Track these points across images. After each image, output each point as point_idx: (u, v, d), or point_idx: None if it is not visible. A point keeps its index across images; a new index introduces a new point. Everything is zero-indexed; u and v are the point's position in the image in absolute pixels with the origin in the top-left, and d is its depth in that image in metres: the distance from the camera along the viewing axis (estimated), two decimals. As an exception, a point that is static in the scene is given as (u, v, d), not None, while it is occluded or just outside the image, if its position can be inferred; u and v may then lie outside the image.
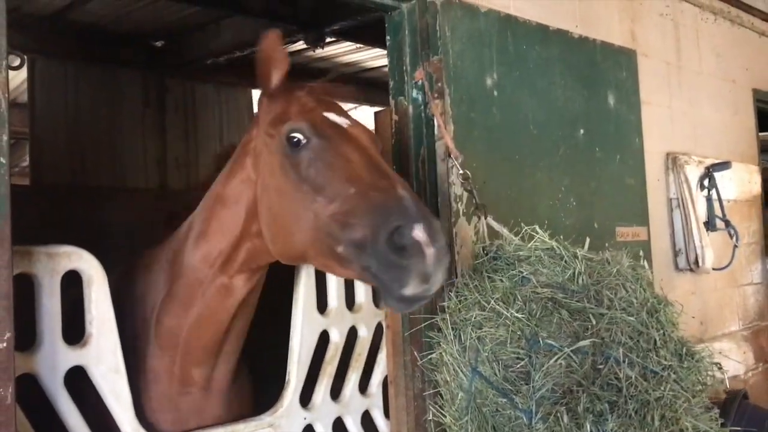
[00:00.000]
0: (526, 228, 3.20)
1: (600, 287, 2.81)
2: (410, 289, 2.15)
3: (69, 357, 2.50)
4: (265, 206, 2.60)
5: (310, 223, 2.39)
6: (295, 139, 2.46)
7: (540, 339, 2.66)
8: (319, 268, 2.70)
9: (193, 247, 2.83)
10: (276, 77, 2.63)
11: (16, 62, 2.17)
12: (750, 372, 5.49)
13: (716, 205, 5.00)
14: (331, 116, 2.54)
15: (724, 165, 5.06)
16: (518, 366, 2.68)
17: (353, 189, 2.28)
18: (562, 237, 3.30)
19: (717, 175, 5.01)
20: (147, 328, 2.96)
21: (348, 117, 2.59)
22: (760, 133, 6.18)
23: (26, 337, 2.42)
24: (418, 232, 2.09)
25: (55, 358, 2.45)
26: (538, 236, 3.08)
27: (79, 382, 2.56)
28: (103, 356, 2.59)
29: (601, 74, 4.24)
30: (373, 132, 2.63)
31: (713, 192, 4.98)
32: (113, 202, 6.32)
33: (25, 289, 2.40)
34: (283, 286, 3.15)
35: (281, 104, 2.62)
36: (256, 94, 8.08)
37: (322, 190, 2.36)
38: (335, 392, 3.35)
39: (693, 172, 4.88)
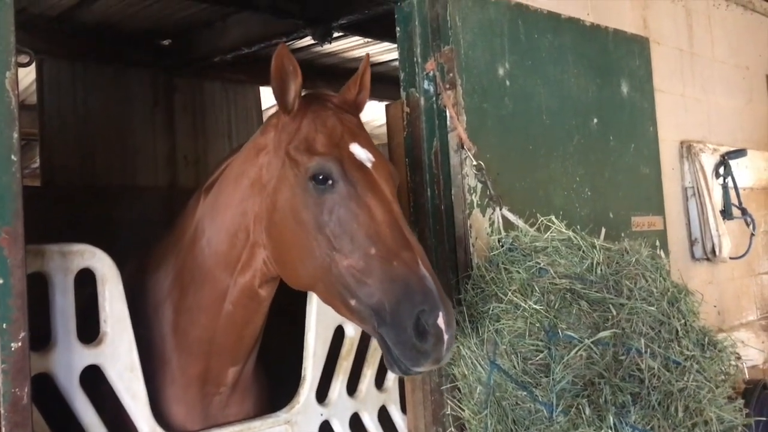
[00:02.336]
0: (542, 218, 3.17)
1: (619, 277, 2.77)
2: (422, 369, 2.28)
3: (84, 356, 2.48)
4: (278, 228, 2.53)
5: (324, 266, 2.38)
6: (321, 177, 2.41)
7: (559, 330, 2.63)
8: (324, 302, 2.66)
9: (208, 254, 2.76)
10: (293, 92, 2.54)
11: (25, 60, 2.16)
12: (768, 362, 5.43)
13: (732, 193, 4.94)
14: (357, 150, 2.49)
15: (740, 152, 4.99)
16: (537, 358, 2.65)
17: (374, 250, 2.30)
18: (578, 227, 3.26)
19: (732, 162, 4.95)
20: (160, 333, 2.93)
21: (371, 148, 2.56)
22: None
23: (41, 337, 2.41)
24: (441, 321, 2.18)
25: (70, 357, 2.43)
26: (554, 227, 3.05)
27: (93, 380, 2.55)
28: (119, 355, 2.57)
29: (614, 62, 4.19)
30: (392, 166, 2.61)
31: (729, 180, 4.92)
32: (124, 201, 6.32)
33: (39, 289, 2.39)
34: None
35: (306, 125, 2.54)
36: (263, 91, 8.08)
37: (341, 239, 2.35)
38: (351, 388, 3.32)
39: (708, 160, 4.82)
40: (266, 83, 7.85)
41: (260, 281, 2.71)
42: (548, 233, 3.02)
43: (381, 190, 2.43)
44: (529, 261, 2.88)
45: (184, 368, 2.88)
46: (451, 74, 3.29)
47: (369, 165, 2.48)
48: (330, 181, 2.40)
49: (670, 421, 2.46)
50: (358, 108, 2.77)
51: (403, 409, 3.42)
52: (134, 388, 2.62)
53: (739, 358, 4.59)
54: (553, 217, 3.12)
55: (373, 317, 2.27)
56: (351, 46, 7.16)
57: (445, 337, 2.19)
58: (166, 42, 6.82)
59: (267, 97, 8.42)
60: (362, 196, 2.38)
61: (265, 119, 8.13)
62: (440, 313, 2.18)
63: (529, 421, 2.59)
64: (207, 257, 2.75)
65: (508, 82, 3.53)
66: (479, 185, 3.27)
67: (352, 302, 2.32)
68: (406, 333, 2.19)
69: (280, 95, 2.54)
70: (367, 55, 2.90)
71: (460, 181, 3.26)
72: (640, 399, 2.47)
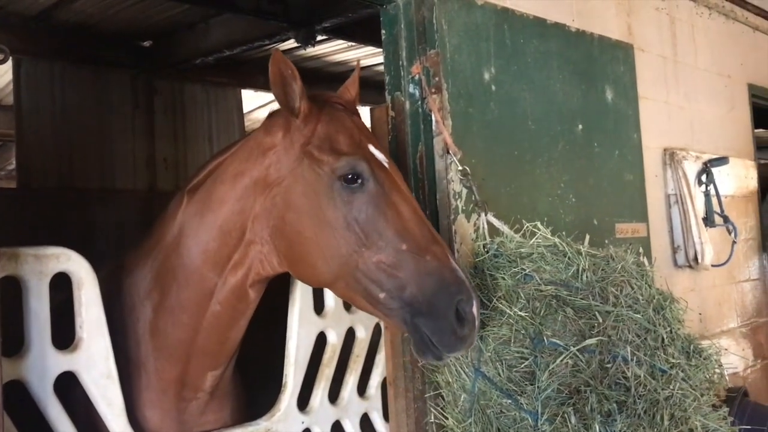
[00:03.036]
0: (527, 225, 3.14)
1: (605, 284, 2.74)
2: (456, 354, 2.48)
3: (59, 362, 2.41)
4: (293, 227, 2.53)
5: (351, 263, 2.44)
6: (351, 176, 2.47)
7: (545, 338, 2.60)
8: (341, 297, 2.80)
9: (196, 252, 2.70)
10: (296, 95, 2.54)
11: (0, 56, 2.10)
12: (749, 369, 5.45)
13: (714, 200, 4.95)
14: (374, 151, 2.58)
15: (722, 160, 5.01)
16: (522, 366, 2.62)
17: (405, 245, 2.40)
18: (563, 234, 3.24)
19: (715, 170, 4.97)
20: (135, 336, 2.86)
21: (382, 148, 2.66)
22: (756, 130, 6.15)
23: (14, 342, 2.34)
24: (475, 309, 2.36)
25: (44, 364, 2.36)
26: (540, 233, 3.02)
27: (68, 385, 2.48)
28: (95, 361, 2.50)
29: (598, 68, 4.18)
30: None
31: (711, 187, 4.94)
32: (102, 204, 6.23)
33: (12, 293, 2.32)
34: (279, 286, 3.07)
35: (324, 126, 2.57)
36: (245, 94, 8.01)
37: (371, 236, 2.43)
38: (333, 395, 3.27)
39: (691, 168, 4.83)
40: (248, 86, 7.81)
41: (252, 281, 2.68)
42: (533, 239, 2.99)
43: (403, 188, 2.55)
44: (515, 267, 2.84)
45: (161, 372, 2.81)
46: (436, 78, 3.26)
47: (386, 165, 2.57)
48: (360, 180, 2.47)
49: (655, 429, 2.43)
50: (354, 110, 2.80)
51: (386, 417, 3.37)
52: (110, 396, 2.55)
53: (721, 366, 4.62)
54: (538, 223, 3.09)
55: (405, 308, 2.38)
56: (335, 49, 7.14)
57: (477, 323, 2.37)
58: (146, 43, 6.75)
59: (248, 100, 8.37)
60: (389, 194, 2.47)
61: (245, 122, 8.07)
62: (474, 302, 2.34)
63: (514, 430, 2.55)
64: (194, 256, 2.70)
65: (493, 87, 3.50)
66: (464, 190, 3.24)
67: (381, 296, 2.40)
68: (446, 321, 2.32)
69: (285, 100, 2.54)
70: (358, 61, 2.97)
71: (445, 186, 3.22)
72: (626, 407, 2.44)
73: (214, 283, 2.69)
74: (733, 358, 5.09)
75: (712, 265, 4.88)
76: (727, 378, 4.63)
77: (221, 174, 2.71)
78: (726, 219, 4.95)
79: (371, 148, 2.59)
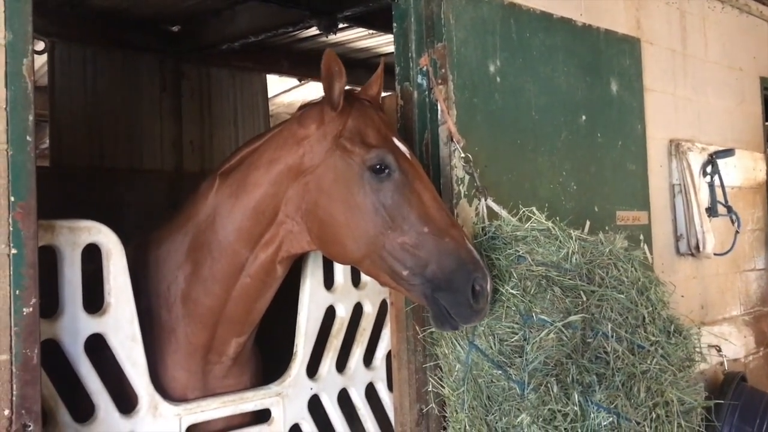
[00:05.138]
0: (523, 209, 3.32)
1: (592, 266, 2.93)
2: (471, 324, 2.81)
3: (89, 324, 2.65)
4: (326, 210, 2.80)
5: (378, 243, 2.72)
6: (378, 167, 2.74)
7: (533, 314, 2.80)
8: (366, 274, 3.06)
9: (230, 230, 2.94)
10: (338, 90, 2.80)
11: (40, 47, 2.30)
12: (750, 356, 5.58)
13: (719, 191, 5.07)
14: (399, 144, 2.86)
15: (728, 152, 5.12)
16: (512, 340, 2.82)
17: (427, 228, 2.68)
18: (562, 219, 3.41)
19: (720, 162, 5.07)
20: (166, 303, 3.09)
21: (405, 141, 2.94)
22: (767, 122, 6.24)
23: (50, 306, 2.58)
24: (489, 285, 2.66)
25: (76, 325, 2.60)
26: (535, 217, 3.20)
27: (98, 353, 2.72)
28: (121, 325, 2.74)
29: (604, 62, 4.32)
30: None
31: (716, 178, 5.05)
32: (130, 184, 6.49)
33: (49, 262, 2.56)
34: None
35: (355, 120, 2.84)
36: (270, 78, 8.22)
37: (396, 220, 2.70)
38: (341, 365, 3.49)
39: (696, 159, 4.95)
40: (273, 71, 8.01)
41: (281, 257, 2.95)
42: (528, 223, 3.18)
43: (424, 177, 2.83)
44: (509, 249, 3.04)
45: (190, 336, 3.06)
46: (443, 70, 3.44)
47: (409, 156, 2.86)
48: (387, 171, 2.74)
49: (632, 401, 2.63)
50: (378, 105, 3.07)
51: (390, 387, 3.59)
52: (135, 357, 2.79)
53: (720, 350, 4.77)
54: (534, 209, 3.27)
55: (426, 284, 2.67)
56: (356, 37, 7.30)
57: (489, 298, 2.68)
58: (175, 28, 6.97)
59: (273, 84, 8.57)
60: (412, 182, 2.76)
61: (270, 106, 8.28)
62: (488, 278, 2.65)
63: (503, 398, 2.76)
64: (229, 233, 2.95)
65: (498, 79, 3.68)
66: (467, 176, 3.43)
67: (404, 273, 2.69)
68: (464, 296, 2.62)
69: (329, 93, 2.81)
70: (382, 60, 3.20)
71: (449, 172, 3.42)
72: (605, 379, 2.64)
73: (245, 258, 2.95)
74: (734, 345, 5.23)
75: (715, 254, 5.01)
76: (725, 363, 4.79)
77: (256, 160, 2.96)
78: (729, 209, 5.07)
79: (396, 141, 2.86)
